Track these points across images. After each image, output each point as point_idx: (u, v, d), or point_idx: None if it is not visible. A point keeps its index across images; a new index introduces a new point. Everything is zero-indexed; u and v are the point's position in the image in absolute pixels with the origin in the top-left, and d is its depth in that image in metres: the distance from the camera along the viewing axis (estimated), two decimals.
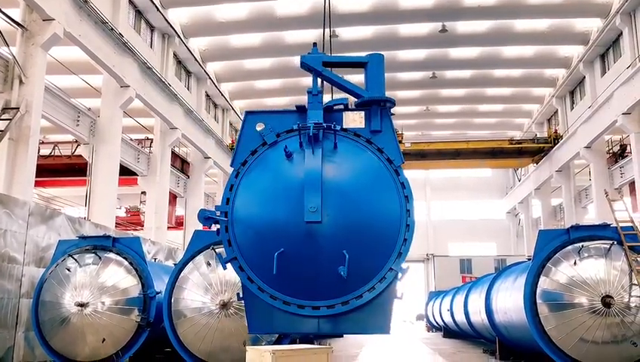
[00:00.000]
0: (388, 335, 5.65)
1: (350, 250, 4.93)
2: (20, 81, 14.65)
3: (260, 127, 5.47)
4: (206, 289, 8.24)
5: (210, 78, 29.90)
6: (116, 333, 8.79)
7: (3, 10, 14.73)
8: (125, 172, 22.18)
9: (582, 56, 27.28)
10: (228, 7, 24.85)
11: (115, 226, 20.38)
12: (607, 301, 7.73)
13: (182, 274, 8.56)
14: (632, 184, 24.05)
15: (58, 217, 11.61)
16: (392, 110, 5.52)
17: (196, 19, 25.88)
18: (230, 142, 33.49)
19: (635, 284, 7.81)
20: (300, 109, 5.50)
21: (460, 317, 16.80)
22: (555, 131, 32.25)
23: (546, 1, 24.32)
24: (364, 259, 5.04)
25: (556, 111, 33.44)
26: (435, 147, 33.34)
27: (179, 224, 30.32)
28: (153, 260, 13.88)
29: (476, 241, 43.65)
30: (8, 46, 14.78)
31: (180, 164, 29.13)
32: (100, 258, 9.17)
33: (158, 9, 23.08)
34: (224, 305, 8.06)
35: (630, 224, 8.67)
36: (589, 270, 8.05)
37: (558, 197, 33.70)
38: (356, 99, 5.56)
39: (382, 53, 5.74)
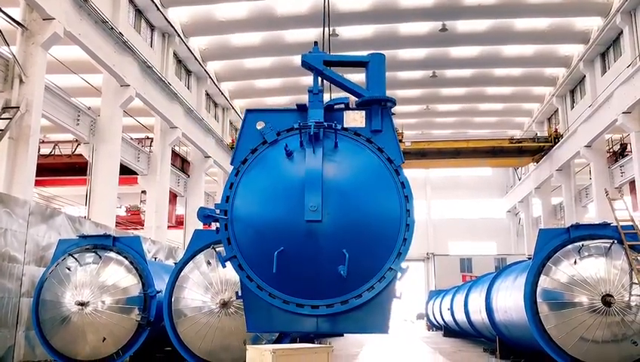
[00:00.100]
0: (388, 335, 5.64)
1: (350, 249, 4.94)
2: (20, 80, 14.64)
3: (260, 125, 5.48)
4: (206, 289, 8.24)
5: (210, 78, 29.89)
6: (117, 332, 8.79)
7: (3, 9, 14.73)
8: (125, 171, 22.18)
9: (582, 55, 27.26)
10: (228, 7, 24.84)
11: (116, 225, 20.39)
12: (607, 300, 7.73)
13: (182, 274, 8.56)
14: (632, 183, 24.05)
15: (58, 216, 11.61)
16: (393, 109, 5.52)
17: (196, 19, 25.87)
18: (230, 141, 33.49)
19: (635, 283, 7.81)
20: (301, 108, 5.50)
21: (461, 316, 16.80)
22: (556, 130, 32.24)
23: (546, 0, 24.30)
24: (363, 258, 5.04)
25: (556, 111, 33.43)
26: (435, 146, 33.33)
27: (179, 223, 30.31)
28: (153, 259, 13.88)
29: (476, 240, 43.63)
30: (8, 45, 14.77)
31: (180, 163, 29.13)
32: (100, 257, 9.17)
33: (158, 8, 23.07)
34: (224, 304, 8.07)
35: (630, 223, 8.67)
36: (590, 269, 8.05)
37: (559, 196, 33.69)
38: (357, 99, 5.56)
39: (382, 52, 5.74)
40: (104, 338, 8.74)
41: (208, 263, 8.40)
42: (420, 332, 28.19)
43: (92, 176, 18.93)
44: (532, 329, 8.30)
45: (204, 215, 5.23)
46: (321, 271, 5.05)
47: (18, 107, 14.27)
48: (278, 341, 8.21)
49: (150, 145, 26.15)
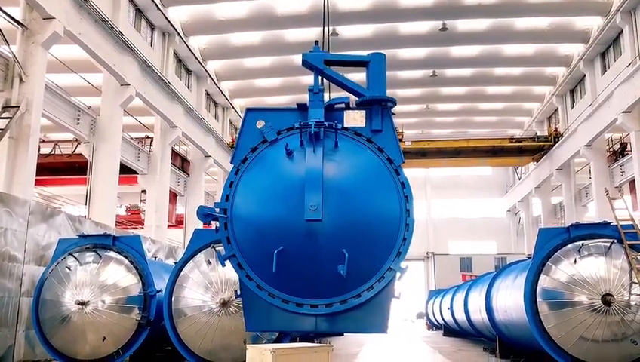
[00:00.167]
0: (387, 334, 5.64)
1: (349, 249, 4.94)
2: (21, 80, 14.64)
3: (260, 124, 5.47)
4: (206, 288, 8.24)
5: (210, 77, 29.90)
6: (117, 332, 8.79)
7: (3, 8, 14.73)
8: (125, 170, 22.19)
9: (582, 54, 27.26)
10: (228, 6, 24.84)
11: (116, 225, 20.40)
12: (607, 299, 7.73)
13: (182, 273, 8.56)
14: (632, 182, 24.05)
15: (58, 216, 11.61)
16: (393, 109, 5.52)
17: (196, 18, 25.87)
18: (230, 140, 33.50)
19: (635, 283, 7.81)
20: (301, 107, 5.51)
21: (460, 316, 16.80)
22: (556, 129, 32.25)
23: (547, 0, 24.30)
24: (363, 258, 5.04)
25: (556, 110, 33.43)
26: (435, 145, 33.33)
27: (179, 222, 30.33)
28: (153, 259, 13.88)
29: (476, 240, 43.65)
30: (8, 44, 14.77)
31: (180, 162, 29.14)
32: (100, 256, 9.17)
33: (158, 7, 23.07)
34: (224, 304, 8.07)
35: (630, 222, 8.66)
36: (590, 268, 8.05)
37: (559, 195, 33.70)
38: (357, 98, 5.56)
39: (382, 51, 5.74)
40: (104, 338, 8.74)
41: (208, 262, 8.40)
42: (420, 331, 28.20)
43: (92, 175, 18.93)
44: (532, 328, 8.30)
45: (204, 213, 5.23)
46: (321, 270, 5.05)
47: (18, 106, 14.27)
48: (278, 340, 8.21)
49: (150, 145, 26.15)
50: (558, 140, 31.08)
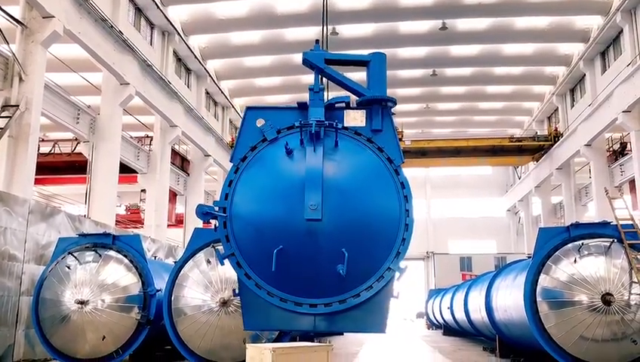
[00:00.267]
0: (387, 334, 5.65)
1: (349, 249, 4.93)
2: (20, 79, 14.63)
3: (260, 123, 5.47)
4: (206, 287, 8.24)
5: (210, 76, 29.88)
6: (116, 331, 8.79)
7: (3, 7, 14.71)
8: (125, 169, 22.19)
9: (582, 53, 27.26)
10: (228, 5, 24.83)
11: (115, 224, 20.39)
12: (607, 299, 7.73)
13: (182, 272, 8.56)
14: (632, 182, 24.04)
15: (58, 215, 11.62)
16: (393, 109, 5.52)
17: (196, 17, 25.86)
18: (230, 139, 33.48)
19: (635, 282, 7.80)
20: (302, 106, 5.50)
21: (460, 315, 16.80)
22: (556, 129, 32.25)
23: None
24: (362, 257, 5.04)
25: (556, 109, 33.42)
26: (435, 145, 33.33)
27: (179, 222, 30.33)
28: (153, 258, 13.89)
29: (476, 239, 43.66)
30: (8, 43, 14.76)
31: (180, 161, 29.13)
32: (100, 255, 9.16)
33: (157, 6, 23.06)
34: (224, 303, 8.07)
35: (630, 222, 8.66)
36: (589, 268, 8.04)
37: (558, 195, 33.70)
38: (357, 98, 5.56)
39: (382, 50, 5.73)
40: (104, 337, 8.74)
41: (208, 262, 8.40)
42: (420, 331, 28.19)
43: (92, 174, 18.92)
44: (532, 327, 8.30)
45: (203, 212, 5.23)
46: (320, 270, 5.05)
47: (18, 105, 14.25)
48: (277, 339, 8.21)
49: (150, 144, 26.14)
50: (558, 140, 31.07)
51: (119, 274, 9.06)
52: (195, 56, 27.63)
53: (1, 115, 14.09)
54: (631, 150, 23.36)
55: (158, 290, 9.06)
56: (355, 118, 5.46)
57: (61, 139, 25.89)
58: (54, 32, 15.30)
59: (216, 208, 5.23)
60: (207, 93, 31.34)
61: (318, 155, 5.12)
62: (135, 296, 8.97)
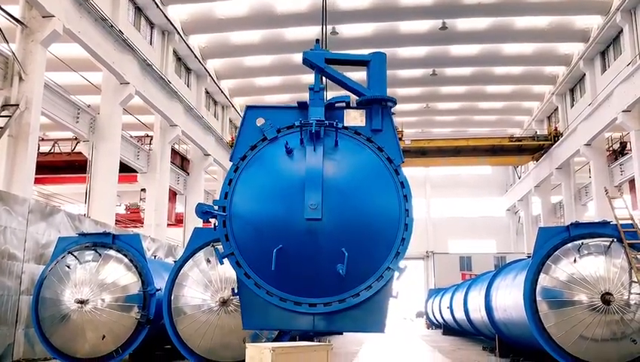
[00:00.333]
0: (386, 333, 5.65)
1: (349, 248, 4.93)
2: (20, 78, 14.63)
3: (260, 122, 5.47)
4: (206, 287, 8.24)
5: (210, 75, 29.88)
6: (116, 330, 8.79)
7: (3, 6, 14.71)
8: (125, 169, 22.18)
9: (582, 53, 27.26)
10: (228, 4, 24.82)
11: (115, 223, 20.38)
12: (606, 298, 7.73)
13: (182, 272, 8.56)
14: (631, 181, 24.05)
15: (58, 214, 11.62)
16: (393, 108, 5.52)
17: (196, 16, 25.85)
18: (230, 139, 33.48)
19: (634, 282, 7.81)
20: (302, 106, 5.50)
21: (460, 315, 16.81)
22: (555, 129, 32.25)
23: None
24: (362, 257, 5.04)
25: (556, 109, 33.43)
26: (435, 144, 33.33)
27: (179, 221, 30.34)
28: (153, 257, 13.89)
29: (476, 239, 43.67)
30: (8, 43, 14.75)
31: (180, 161, 29.13)
32: (99, 255, 9.16)
33: (157, 6, 23.05)
34: (224, 302, 8.06)
35: (630, 221, 8.66)
36: (589, 267, 8.04)
37: (558, 194, 33.70)
38: (357, 97, 5.56)
39: (382, 50, 5.73)
40: (104, 336, 8.74)
41: (208, 261, 8.39)
42: (420, 330, 28.20)
43: (92, 173, 18.92)
44: (531, 327, 8.30)
45: (202, 211, 5.23)
46: (320, 269, 5.05)
47: (18, 105, 14.25)
48: (277, 339, 8.21)
49: (150, 143, 26.14)
50: (558, 139, 31.07)
51: (119, 274, 9.06)
52: (195, 56, 27.63)
53: (1, 114, 14.09)
54: (631, 150, 23.36)
55: (157, 290, 9.06)
56: (355, 118, 5.46)
57: (61, 139, 25.88)
58: (54, 31, 15.29)
59: (216, 207, 5.23)
60: (207, 92, 31.34)
61: (318, 155, 5.12)
62: (135, 295, 8.97)
